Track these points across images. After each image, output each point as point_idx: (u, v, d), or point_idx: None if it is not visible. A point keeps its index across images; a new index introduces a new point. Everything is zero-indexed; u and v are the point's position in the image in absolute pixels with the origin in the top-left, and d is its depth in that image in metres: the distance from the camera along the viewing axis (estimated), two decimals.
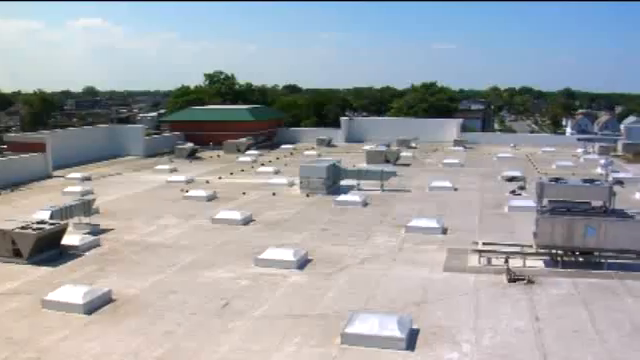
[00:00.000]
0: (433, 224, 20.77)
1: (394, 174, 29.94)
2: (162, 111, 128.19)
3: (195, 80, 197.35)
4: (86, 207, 21.22)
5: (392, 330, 11.69)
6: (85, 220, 21.14)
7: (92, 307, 13.56)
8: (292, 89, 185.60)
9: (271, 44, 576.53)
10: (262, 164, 38.30)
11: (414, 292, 14.69)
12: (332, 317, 13.09)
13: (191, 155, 42.55)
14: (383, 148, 39.76)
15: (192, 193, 27.16)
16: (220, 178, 32.96)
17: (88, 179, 32.61)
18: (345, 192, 27.32)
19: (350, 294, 14.66)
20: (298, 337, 12.10)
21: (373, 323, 11.89)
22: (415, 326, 12.34)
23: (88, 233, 20.00)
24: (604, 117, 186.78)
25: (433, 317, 13.13)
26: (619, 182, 27.25)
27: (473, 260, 17.10)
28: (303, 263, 16.85)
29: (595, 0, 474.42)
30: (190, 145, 43.91)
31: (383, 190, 28.33)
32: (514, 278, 15.43)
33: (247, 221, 22.09)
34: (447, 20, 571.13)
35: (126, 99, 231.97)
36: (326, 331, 12.34)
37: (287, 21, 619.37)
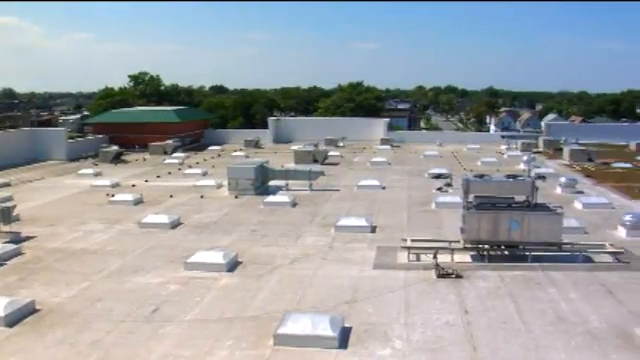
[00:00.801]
0: (362, 223, 20.93)
1: (322, 174, 30.04)
2: (85, 113, 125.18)
3: (119, 81, 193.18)
4: (5, 214, 20.43)
5: (324, 329, 11.71)
6: (5, 228, 20.38)
7: (14, 319, 13.06)
8: (219, 90, 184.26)
9: (195, 45, 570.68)
10: (189, 166, 37.87)
11: (345, 291, 14.76)
12: (264, 318, 13.02)
13: (116, 158, 41.61)
14: (311, 148, 39.90)
15: (118, 197, 26.56)
16: (146, 181, 32.37)
17: (7, 185, 31.46)
18: (274, 193, 27.27)
19: (281, 295, 14.61)
20: (230, 340, 11.99)
21: (305, 323, 11.89)
22: (347, 324, 12.40)
23: (8, 242, 19.25)
24: (526, 115, 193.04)
25: (364, 315, 13.22)
26: (541, 177, 28.14)
27: (402, 257, 17.32)
28: (233, 265, 16.71)
29: (514, 0, 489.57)
30: (115, 148, 42.93)
31: (312, 190, 28.40)
32: (443, 273, 15.70)
33: (175, 224, 21.76)
34: (373, 19, 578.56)
35: (47, 101, 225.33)
36: (258, 333, 12.27)
37: (210, 21, 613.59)
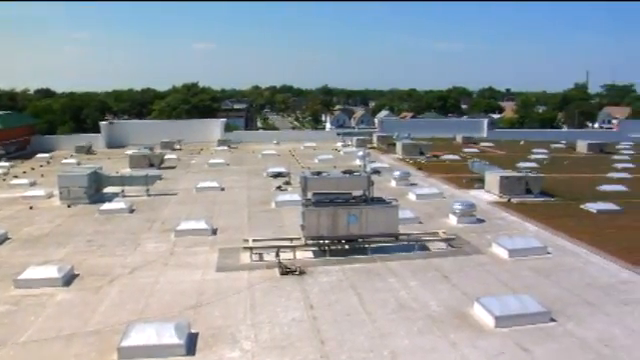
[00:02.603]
0: (202, 226, 20.67)
1: (159, 178, 29.30)
2: None
3: None
4: None
5: (170, 337, 11.42)
6: None
7: None
8: (45, 93, 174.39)
9: (14, 44, 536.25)
10: (15, 176, 35.53)
11: (189, 296, 14.48)
12: (106, 332, 12.46)
13: None
14: (146, 152, 39.01)
15: None
16: None
17: None
18: (109, 200, 26.26)
19: (123, 306, 14.06)
20: (71, 359, 11.35)
21: (150, 333, 11.52)
22: (193, 330, 12.17)
23: None
24: (360, 112, 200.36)
25: (211, 318, 13.04)
26: (376, 172, 29.19)
27: (245, 258, 17.28)
28: (69, 279, 15.84)
29: (347, 0, 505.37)
30: None
31: (149, 195, 27.65)
32: (286, 271, 15.84)
33: (1, 240, 20.28)
34: (207, 20, 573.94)
35: None
36: (101, 348, 11.71)
37: (32, 20, 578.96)
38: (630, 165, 39.77)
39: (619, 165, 39.45)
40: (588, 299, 14.01)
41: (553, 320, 12.64)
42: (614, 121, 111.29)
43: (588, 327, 12.37)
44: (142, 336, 11.45)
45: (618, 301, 13.91)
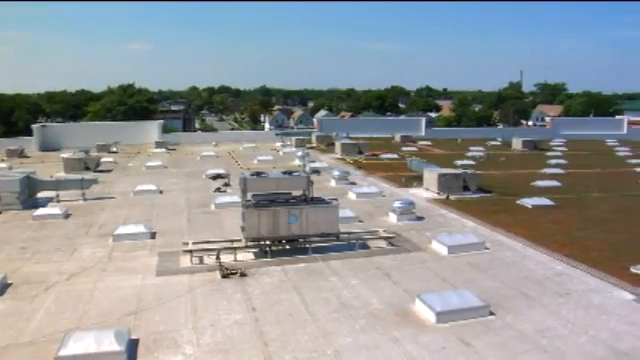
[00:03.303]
0: (141, 229, 20.32)
1: (96, 181, 28.64)
2: None
3: None
4: None
5: (110, 345, 11.16)
6: None
7: None
8: None
9: None
10: None
11: (129, 302, 14.20)
12: (43, 342, 12.08)
13: None
14: (82, 155, 38.09)
15: None
16: None
17: None
18: (43, 205, 25.54)
19: (60, 314, 13.67)
20: None
21: (89, 341, 11.23)
22: (134, 336, 11.93)
23: None
24: (298, 112, 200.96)
25: (151, 324, 12.81)
26: (316, 172, 29.21)
27: (185, 261, 17.06)
28: (2, 288, 15.30)
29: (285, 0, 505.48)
30: None
31: (85, 199, 27.02)
32: (227, 273, 15.71)
33: None
34: (143, 19, 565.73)
35: None
36: (38, 359, 11.37)
37: None
38: (563, 161, 40.98)
39: (553, 161, 40.59)
40: (525, 292, 14.36)
41: (492, 314, 12.91)
42: (547, 119, 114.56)
43: (526, 319, 12.68)
44: (80, 345, 11.16)
45: (554, 293, 14.31)
